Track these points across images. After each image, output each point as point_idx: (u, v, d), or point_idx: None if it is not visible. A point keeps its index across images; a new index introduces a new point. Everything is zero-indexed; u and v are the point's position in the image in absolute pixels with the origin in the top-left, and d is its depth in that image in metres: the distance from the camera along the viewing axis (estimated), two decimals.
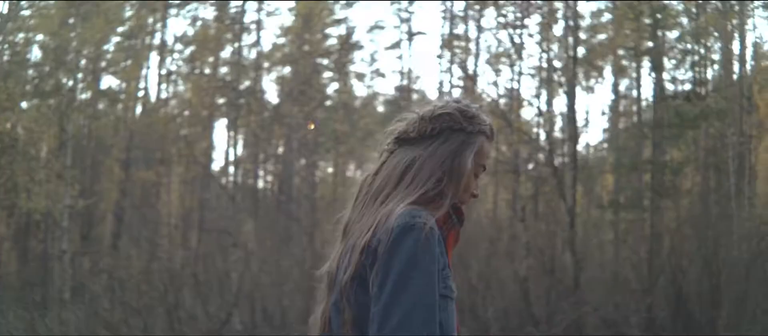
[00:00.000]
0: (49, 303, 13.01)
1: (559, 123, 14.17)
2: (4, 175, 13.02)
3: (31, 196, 13.02)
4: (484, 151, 2.01)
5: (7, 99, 13.66)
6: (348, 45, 19.44)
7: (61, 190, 13.40)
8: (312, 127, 21.19)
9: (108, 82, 17.71)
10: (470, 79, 15.88)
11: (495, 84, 15.96)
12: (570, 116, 12.92)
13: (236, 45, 19.71)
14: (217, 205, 18.68)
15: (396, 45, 18.22)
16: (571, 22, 12.80)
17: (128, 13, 17.58)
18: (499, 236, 12.68)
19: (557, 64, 13.24)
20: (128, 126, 15.10)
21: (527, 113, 16.15)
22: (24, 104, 14.73)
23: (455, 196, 1.94)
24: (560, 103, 14.60)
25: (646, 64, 13.63)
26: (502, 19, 13.45)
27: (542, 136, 13.14)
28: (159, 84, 18.98)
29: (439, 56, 16.38)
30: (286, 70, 20.46)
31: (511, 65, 15.20)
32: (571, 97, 12.83)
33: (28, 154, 13.34)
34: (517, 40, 13.72)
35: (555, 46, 13.37)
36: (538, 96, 14.20)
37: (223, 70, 19.67)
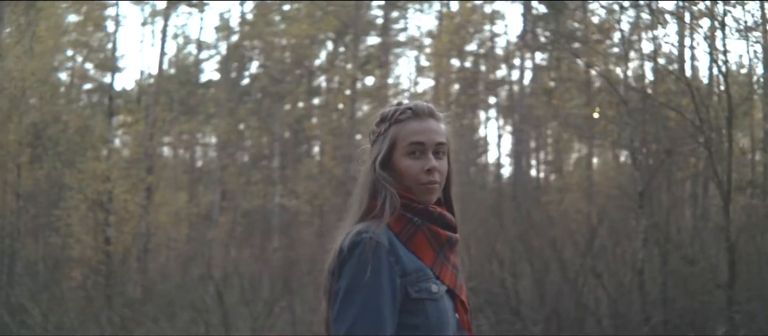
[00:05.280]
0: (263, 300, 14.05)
1: None
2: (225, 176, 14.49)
3: (246, 196, 14.34)
4: (403, 134, 1.93)
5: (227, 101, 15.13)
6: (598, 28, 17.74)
7: (270, 189, 14.57)
8: (596, 114, 19.83)
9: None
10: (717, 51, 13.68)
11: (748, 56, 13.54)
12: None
13: (483, 36, 19.33)
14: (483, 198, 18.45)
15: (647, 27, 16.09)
16: None
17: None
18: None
19: None
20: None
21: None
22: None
23: (394, 196, 1.88)
24: None
25: None
26: None
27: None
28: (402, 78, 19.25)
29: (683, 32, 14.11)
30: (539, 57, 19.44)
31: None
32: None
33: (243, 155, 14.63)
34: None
35: None
36: None
37: (471, 61, 19.41)
